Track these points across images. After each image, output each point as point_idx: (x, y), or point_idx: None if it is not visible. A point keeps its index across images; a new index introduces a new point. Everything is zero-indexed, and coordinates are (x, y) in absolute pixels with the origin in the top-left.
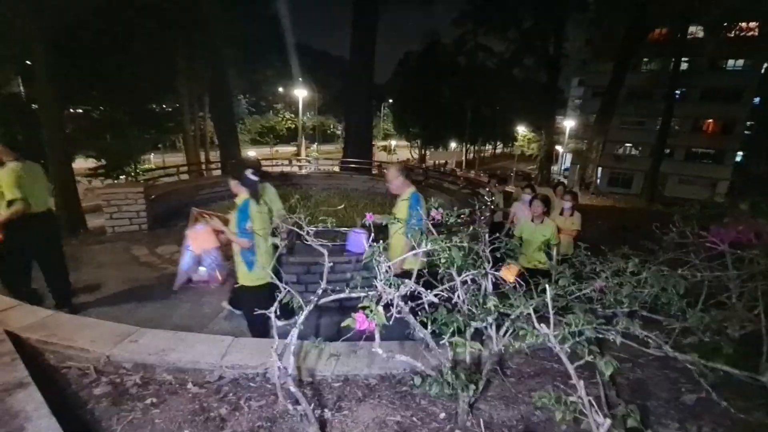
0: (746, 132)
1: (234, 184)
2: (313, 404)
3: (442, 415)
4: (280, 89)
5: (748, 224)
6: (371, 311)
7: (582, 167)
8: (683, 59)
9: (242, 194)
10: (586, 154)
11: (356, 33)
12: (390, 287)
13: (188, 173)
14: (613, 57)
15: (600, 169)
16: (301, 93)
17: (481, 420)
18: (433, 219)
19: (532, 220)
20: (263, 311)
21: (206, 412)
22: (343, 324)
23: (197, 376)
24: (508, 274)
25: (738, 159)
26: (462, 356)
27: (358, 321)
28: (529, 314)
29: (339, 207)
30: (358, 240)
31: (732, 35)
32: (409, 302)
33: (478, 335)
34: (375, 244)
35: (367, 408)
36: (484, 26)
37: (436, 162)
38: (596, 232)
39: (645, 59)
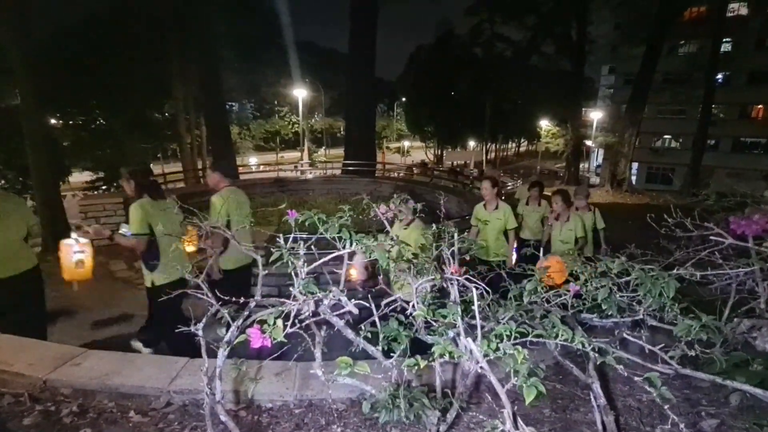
0: None
1: None
2: None
3: None
4: (284, 91)
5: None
6: (269, 325)
7: (613, 162)
8: (724, 40)
9: None
10: (618, 147)
11: (355, 23)
12: (308, 295)
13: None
14: (644, 41)
15: (636, 164)
16: (300, 93)
17: None
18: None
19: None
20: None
21: None
22: (235, 341)
23: (142, 403)
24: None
25: None
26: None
27: (252, 337)
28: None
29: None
30: None
31: None
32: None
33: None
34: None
35: None
36: (499, 13)
37: (454, 163)
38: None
39: (681, 42)
